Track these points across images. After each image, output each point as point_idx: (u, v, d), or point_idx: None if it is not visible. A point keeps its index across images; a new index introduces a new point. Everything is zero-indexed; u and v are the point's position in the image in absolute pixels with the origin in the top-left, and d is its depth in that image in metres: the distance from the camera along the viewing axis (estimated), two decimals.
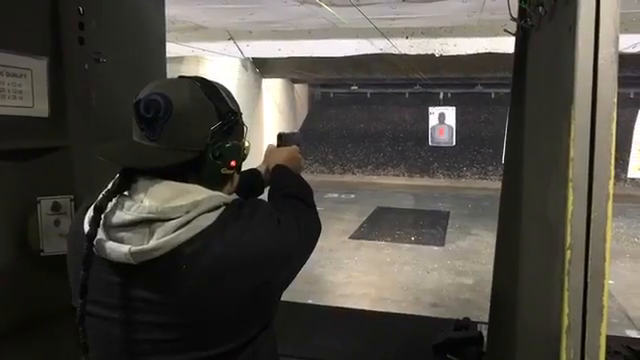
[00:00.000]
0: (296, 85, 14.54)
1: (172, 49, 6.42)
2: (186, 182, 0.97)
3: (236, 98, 1.10)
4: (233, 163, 1.03)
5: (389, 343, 2.44)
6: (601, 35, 0.90)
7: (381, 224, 8.87)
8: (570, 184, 0.92)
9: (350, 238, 7.97)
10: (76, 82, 1.67)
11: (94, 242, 0.92)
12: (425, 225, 8.82)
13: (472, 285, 5.86)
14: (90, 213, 0.94)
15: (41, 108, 1.58)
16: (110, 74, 1.77)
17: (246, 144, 1.09)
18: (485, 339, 2.23)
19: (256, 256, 0.96)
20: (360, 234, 8.24)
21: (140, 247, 0.90)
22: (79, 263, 0.92)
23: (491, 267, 2.00)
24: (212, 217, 0.95)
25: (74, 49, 1.66)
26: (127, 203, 0.93)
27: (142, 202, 0.92)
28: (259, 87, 11.37)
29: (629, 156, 7.27)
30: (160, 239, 0.90)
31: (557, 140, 0.99)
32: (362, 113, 14.54)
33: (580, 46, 0.90)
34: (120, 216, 0.92)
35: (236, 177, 1.11)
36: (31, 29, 1.56)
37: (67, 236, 1.09)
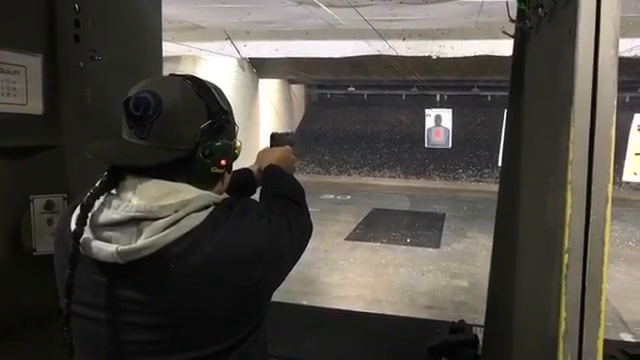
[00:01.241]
0: (293, 86, 14.54)
1: (169, 48, 6.40)
2: (175, 181, 0.95)
3: (232, 98, 1.10)
4: (223, 162, 1.02)
5: (384, 345, 2.43)
6: (601, 37, 0.89)
7: (377, 226, 8.87)
8: (569, 187, 0.91)
9: (346, 239, 7.96)
10: (71, 80, 1.65)
11: (80, 241, 0.90)
12: (421, 227, 8.82)
13: (467, 287, 5.86)
14: (77, 211, 0.92)
15: (35, 106, 1.57)
16: (105, 72, 1.76)
17: (237, 143, 1.08)
18: (481, 342, 2.22)
19: (246, 256, 0.95)
20: (356, 236, 8.23)
21: (128, 246, 0.89)
22: (65, 262, 0.91)
23: (486, 270, 2.00)
24: (201, 216, 0.94)
25: (69, 46, 1.64)
26: (115, 202, 0.92)
27: (130, 201, 0.91)
28: (256, 87, 11.37)
29: (624, 160, 7.31)
30: (148, 238, 0.89)
31: (556, 143, 0.99)
32: (359, 114, 14.56)
33: (580, 48, 0.90)
34: (108, 215, 0.91)
35: (227, 177, 1.09)
36: (26, 26, 1.55)
37: (54, 235, 1.07)
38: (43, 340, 1.59)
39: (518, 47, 1.55)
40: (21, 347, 1.57)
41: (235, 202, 1.02)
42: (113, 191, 0.94)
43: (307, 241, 1.15)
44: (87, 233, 0.91)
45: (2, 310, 1.54)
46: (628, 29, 5.18)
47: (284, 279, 1.06)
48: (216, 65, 9.12)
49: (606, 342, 0.96)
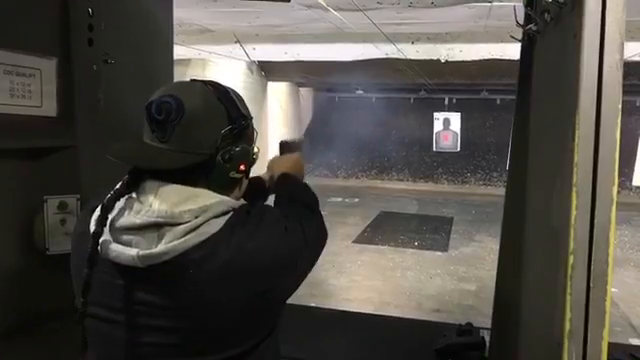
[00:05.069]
0: (301, 89, 14.55)
1: (179, 51, 6.41)
2: (195, 186, 0.97)
3: None
4: (242, 167, 1.03)
5: (391, 347, 2.44)
6: (606, 41, 0.90)
7: (384, 229, 8.86)
8: (574, 189, 0.92)
9: (353, 242, 7.96)
10: (84, 83, 1.68)
11: (99, 242, 0.92)
12: (428, 230, 8.80)
13: (475, 291, 5.84)
14: (97, 213, 0.94)
15: (49, 108, 1.60)
16: (118, 75, 1.78)
17: (255, 149, 1.08)
18: (487, 345, 2.22)
19: (262, 263, 0.96)
20: (363, 238, 8.23)
21: (149, 251, 0.90)
22: (83, 263, 0.91)
23: (494, 274, 2.00)
24: (220, 222, 0.95)
25: (83, 50, 1.67)
26: (136, 206, 0.93)
27: (151, 205, 0.92)
28: (264, 91, 11.38)
29: (634, 164, 7.25)
30: (169, 243, 0.90)
31: (562, 145, 1.00)
32: (367, 117, 14.51)
33: (585, 52, 0.91)
34: (129, 219, 0.92)
35: (244, 182, 1.10)
36: (41, 30, 1.58)
37: (72, 236, 1.08)
38: (55, 338, 1.61)
39: (525, 51, 1.56)
40: (33, 344, 1.59)
41: (253, 208, 1.03)
42: (133, 194, 0.95)
43: (322, 247, 1.15)
44: (106, 235, 0.93)
45: (15, 308, 1.57)
46: (637, 33, 5.16)
47: (299, 286, 1.06)
48: (225, 68, 9.15)
49: (615, 346, 0.97)
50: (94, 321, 0.95)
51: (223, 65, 9.03)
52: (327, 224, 1.20)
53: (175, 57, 2.20)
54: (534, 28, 1.33)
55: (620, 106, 0.90)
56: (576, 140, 0.92)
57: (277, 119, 12.31)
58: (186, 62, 8.10)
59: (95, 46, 1.71)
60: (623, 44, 0.91)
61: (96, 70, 1.71)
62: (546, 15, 1.21)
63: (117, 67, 1.77)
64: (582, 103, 0.91)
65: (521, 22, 1.45)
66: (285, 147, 1.53)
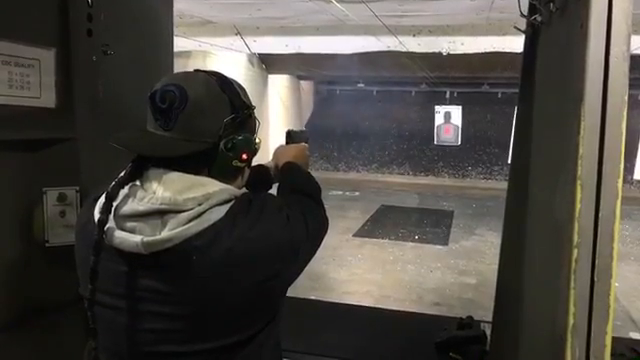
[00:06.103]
0: (302, 81, 14.51)
1: (179, 43, 6.39)
2: (198, 174, 0.98)
3: None
4: (245, 156, 1.04)
5: (392, 340, 2.44)
6: (613, 32, 0.89)
7: (385, 222, 8.87)
8: (578, 182, 0.91)
9: (354, 236, 7.96)
10: (84, 74, 1.66)
11: (104, 229, 0.93)
12: (429, 224, 8.81)
13: (475, 285, 5.85)
14: (102, 200, 0.95)
15: (48, 99, 1.58)
16: (117, 67, 1.77)
17: (257, 140, 1.10)
18: (488, 338, 2.22)
19: (263, 251, 0.97)
20: (364, 232, 8.24)
21: (153, 238, 0.91)
22: (89, 251, 0.93)
23: (495, 267, 1.99)
24: (223, 210, 0.96)
25: (82, 41, 1.66)
26: (139, 193, 0.94)
27: (155, 193, 0.93)
28: (265, 83, 11.35)
29: (635, 158, 7.24)
30: (172, 230, 0.91)
31: (566, 138, 0.99)
32: (368, 111, 14.48)
33: (591, 43, 0.90)
34: (132, 206, 0.93)
35: (246, 171, 1.12)
36: (40, 20, 1.56)
37: (75, 227, 1.09)
38: (54, 328, 1.61)
39: (529, 42, 1.54)
40: (33, 336, 1.59)
41: (255, 197, 1.04)
42: (137, 182, 0.97)
43: (323, 237, 1.16)
44: (111, 223, 0.94)
45: (14, 300, 1.56)
46: None
47: (300, 274, 1.07)
48: (226, 60, 9.12)
49: (615, 340, 0.96)
50: (98, 308, 0.96)
51: (224, 57, 9.00)
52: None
53: (175, 49, 2.18)
54: (539, 18, 1.32)
55: (626, 98, 0.89)
56: (581, 132, 0.91)
57: (278, 112, 12.28)
58: (187, 54, 8.08)
59: (94, 37, 1.69)
60: (630, 35, 0.90)
61: (95, 61, 1.70)
62: (551, 5, 1.19)
63: (117, 58, 1.76)
64: (588, 94, 0.90)
65: (525, 12, 1.44)
66: (291, 136, 1.54)
